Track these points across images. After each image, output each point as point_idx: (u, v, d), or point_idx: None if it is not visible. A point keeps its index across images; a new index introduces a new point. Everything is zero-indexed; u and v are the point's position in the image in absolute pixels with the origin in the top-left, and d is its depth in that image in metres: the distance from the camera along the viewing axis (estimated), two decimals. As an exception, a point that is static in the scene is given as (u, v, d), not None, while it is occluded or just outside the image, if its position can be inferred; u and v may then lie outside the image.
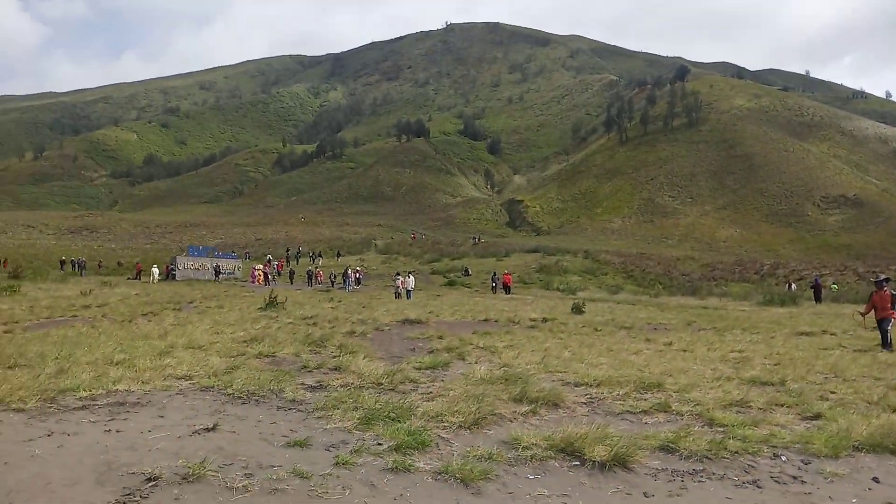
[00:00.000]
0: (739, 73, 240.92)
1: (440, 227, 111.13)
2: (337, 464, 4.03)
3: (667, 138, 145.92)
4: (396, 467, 4.01)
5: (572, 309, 21.42)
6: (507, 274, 41.97)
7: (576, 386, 6.98)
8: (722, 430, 5.34)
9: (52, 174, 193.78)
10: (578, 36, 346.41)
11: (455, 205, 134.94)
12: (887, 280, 13.64)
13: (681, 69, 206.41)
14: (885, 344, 12.14)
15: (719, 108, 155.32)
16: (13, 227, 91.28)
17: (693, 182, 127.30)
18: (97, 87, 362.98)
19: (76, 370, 6.59)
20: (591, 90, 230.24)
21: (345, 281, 38.84)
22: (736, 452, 4.70)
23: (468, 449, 4.47)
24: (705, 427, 5.42)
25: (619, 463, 4.33)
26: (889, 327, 12.31)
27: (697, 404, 6.17)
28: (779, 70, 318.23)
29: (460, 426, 4.98)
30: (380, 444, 4.45)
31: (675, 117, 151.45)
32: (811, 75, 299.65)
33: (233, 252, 59.73)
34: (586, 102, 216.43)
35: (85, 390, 5.74)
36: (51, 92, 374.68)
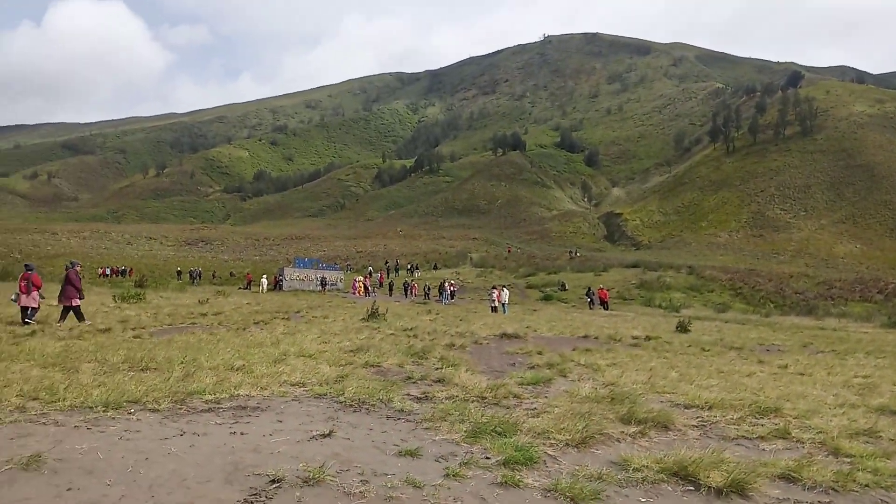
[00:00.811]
0: (860, 77, 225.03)
1: (535, 241, 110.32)
2: (447, 475, 4.12)
3: (778, 148, 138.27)
4: (505, 482, 4.05)
5: (677, 327, 20.66)
6: (602, 289, 41.02)
7: (685, 408, 6.74)
8: (849, 460, 5.02)
9: (171, 189, 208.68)
10: (682, 44, 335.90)
11: (551, 218, 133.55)
12: None
13: (793, 75, 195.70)
14: None
15: (837, 114, 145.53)
16: (137, 240, 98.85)
17: (807, 194, 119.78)
18: (213, 108, 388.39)
19: (200, 375, 7.06)
20: (695, 99, 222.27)
21: (441, 294, 39.39)
22: (866, 486, 4.41)
23: (576, 468, 4.43)
24: (830, 457, 5.11)
25: (737, 490, 4.16)
26: None
27: (820, 432, 5.82)
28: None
29: (567, 444, 4.95)
30: (488, 458, 4.50)
31: (788, 126, 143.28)
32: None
33: (335, 264, 61.90)
34: (690, 112, 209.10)
35: (210, 394, 6.15)
36: (172, 113, 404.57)
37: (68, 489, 3.57)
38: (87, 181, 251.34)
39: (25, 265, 14.99)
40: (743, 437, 5.66)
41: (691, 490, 4.19)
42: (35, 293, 13.79)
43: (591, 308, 38.24)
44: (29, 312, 13.62)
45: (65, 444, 4.32)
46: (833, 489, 4.33)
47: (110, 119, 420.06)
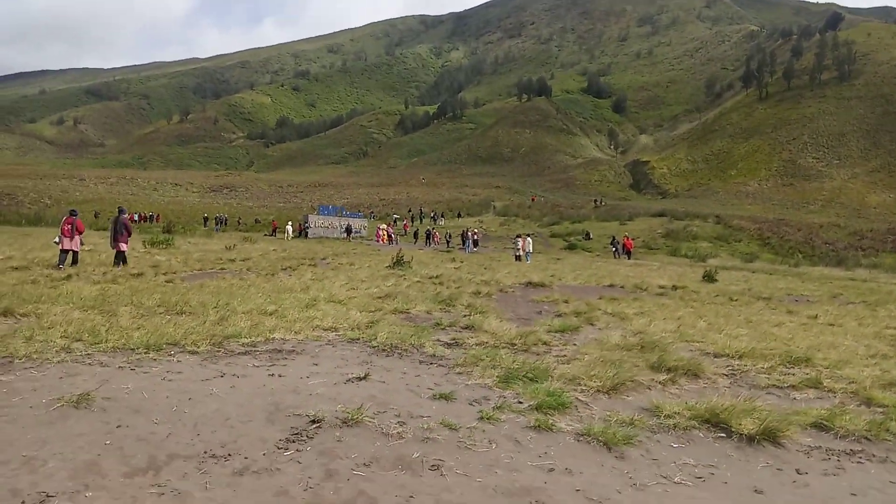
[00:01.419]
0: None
1: (560, 190, 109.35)
2: (481, 418, 4.20)
3: (813, 94, 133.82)
4: (539, 426, 4.11)
5: (704, 277, 20.53)
6: (627, 238, 40.68)
7: (715, 357, 6.75)
8: (881, 410, 5.01)
9: (195, 136, 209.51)
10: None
11: (576, 166, 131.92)
12: None
13: (833, 16, 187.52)
14: None
15: (877, 59, 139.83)
16: (163, 186, 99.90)
17: (842, 142, 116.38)
18: (235, 52, 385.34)
19: (235, 319, 7.20)
20: (728, 42, 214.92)
21: (463, 242, 39.49)
22: (899, 435, 4.41)
23: (608, 413, 4.49)
24: (862, 406, 5.10)
25: (769, 437, 4.19)
26: None
27: (852, 382, 5.80)
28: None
29: (598, 390, 5.00)
30: (520, 403, 4.57)
31: (825, 70, 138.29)
32: None
33: (359, 212, 62.10)
34: (723, 56, 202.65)
35: (246, 337, 6.29)
36: (194, 58, 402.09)
37: (118, 426, 3.71)
38: (112, 127, 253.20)
39: (70, 210, 15.40)
40: (774, 386, 5.66)
41: (723, 437, 4.23)
42: (77, 238, 14.28)
43: (615, 257, 38.07)
44: (67, 256, 14.06)
45: (111, 383, 4.47)
46: (866, 438, 4.34)
47: (133, 64, 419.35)
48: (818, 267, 39.97)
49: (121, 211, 15.80)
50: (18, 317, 6.91)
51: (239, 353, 5.72)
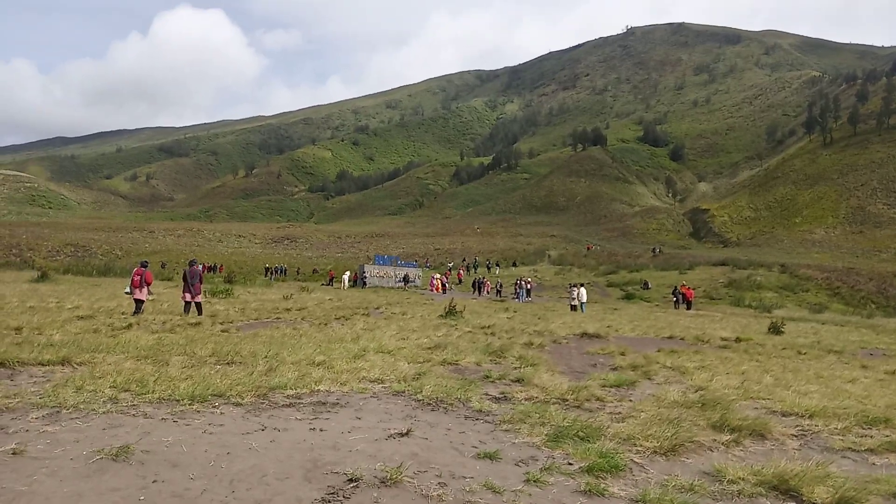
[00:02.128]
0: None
1: (616, 238, 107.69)
2: (528, 481, 3.96)
3: (881, 139, 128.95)
4: (589, 490, 3.85)
5: (769, 328, 19.61)
6: (684, 286, 39.53)
7: (783, 416, 6.29)
8: (974, 480, 4.51)
9: (259, 189, 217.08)
10: (775, 31, 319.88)
11: (633, 214, 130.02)
12: None
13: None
14: None
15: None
16: (227, 238, 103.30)
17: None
18: (298, 110, 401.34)
19: (283, 369, 7.18)
20: (788, 88, 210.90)
21: (517, 291, 39.11)
22: None
23: (666, 477, 4.18)
24: (953, 476, 4.61)
25: (846, 509, 3.81)
26: None
27: (939, 447, 5.28)
28: None
29: (655, 451, 4.69)
30: (570, 464, 4.31)
31: (893, 115, 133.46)
32: None
33: (414, 261, 62.53)
34: (783, 102, 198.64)
35: (291, 388, 6.24)
36: (259, 115, 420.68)
37: (153, 481, 3.65)
38: (181, 182, 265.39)
39: (141, 262, 16.27)
40: (849, 449, 5.21)
41: (793, 507, 3.87)
42: (146, 288, 15.11)
43: (675, 307, 36.92)
44: (137, 306, 14.86)
45: (152, 436, 4.45)
46: (958, 513, 3.90)
47: (202, 123, 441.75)
48: (894, 319, 37.71)
49: (192, 263, 16.58)
50: (75, 366, 7.07)
51: (283, 406, 5.65)
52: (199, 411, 5.22)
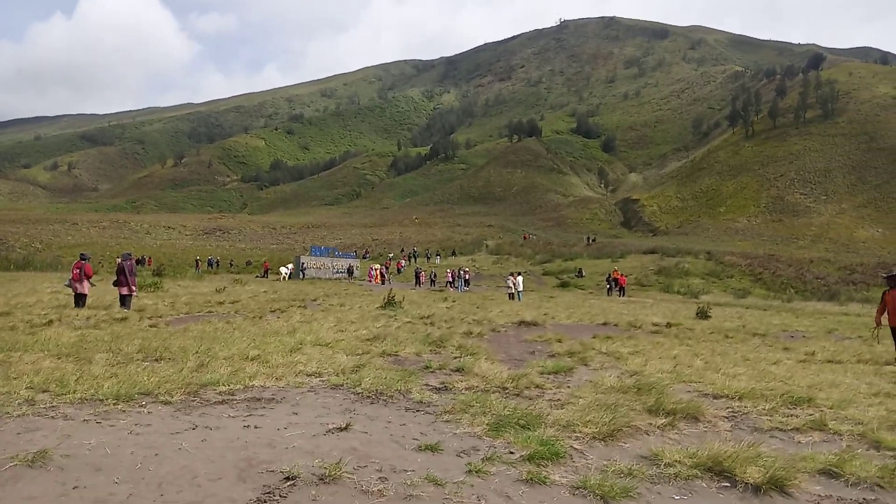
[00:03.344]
0: (883, 58, 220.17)
1: (551, 228, 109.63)
2: (470, 471, 3.92)
3: (798, 132, 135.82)
4: (531, 479, 3.84)
5: (697, 313, 20.35)
6: (617, 272, 41.20)
7: (714, 398, 6.49)
8: (893, 454, 4.76)
9: (189, 179, 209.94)
10: (701, 27, 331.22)
11: (567, 205, 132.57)
12: None
13: (815, 57, 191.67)
14: None
15: (859, 97, 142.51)
16: (156, 229, 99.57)
17: (828, 178, 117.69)
18: (230, 98, 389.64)
19: (215, 365, 6.92)
20: (713, 83, 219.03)
21: (453, 280, 39.39)
22: (914, 482, 4.15)
23: (605, 463, 4.22)
24: (871, 450, 4.85)
25: (776, 486, 3.93)
26: None
27: (858, 423, 5.55)
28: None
29: (594, 437, 4.73)
30: (512, 453, 4.29)
31: (808, 109, 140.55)
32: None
33: (352, 252, 61.93)
34: (708, 96, 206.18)
35: (224, 385, 6.00)
36: (189, 103, 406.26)
37: (74, 487, 3.42)
38: (106, 172, 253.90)
39: (81, 254, 16.02)
40: (777, 428, 5.41)
41: (727, 486, 3.97)
42: (86, 282, 14.96)
43: (608, 294, 37.90)
44: (81, 299, 14.79)
45: (73, 439, 4.18)
46: (878, 485, 4.08)
47: (128, 110, 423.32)
48: (811, 302, 39.85)
49: (127, 256, 16.18)
50: (-13, 366, 6.61)
51: (215, 403, 5.43)
52: (124, 411, 4.94)
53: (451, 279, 39.98)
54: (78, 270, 14.83)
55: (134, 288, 15.47)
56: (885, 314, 10.93)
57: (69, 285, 15.12)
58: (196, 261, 55.54)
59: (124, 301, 15.15)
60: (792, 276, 54.92)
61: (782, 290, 47.36)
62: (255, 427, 4.70)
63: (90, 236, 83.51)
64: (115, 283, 15.57)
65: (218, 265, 54.60)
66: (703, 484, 3.99)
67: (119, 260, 15.98)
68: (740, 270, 56.34)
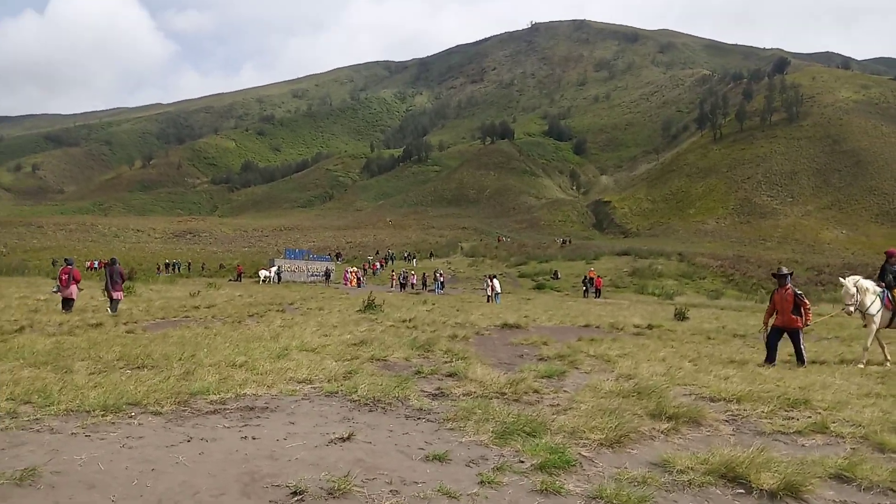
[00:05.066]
0: (845, 63, 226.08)
1: (525, 230, 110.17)
2: (482, 482, 3.80)
3: (764, 135, 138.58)
4: (546, 489, 3.73)
5: (675, 315, 20.50)
6: (592, 272, 41.88)
7: (712, 401, 6.46)
8: (898, 456, 4.75)
9: (158, 181, 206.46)
10: (669, 30, 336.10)
11: (540, 207, 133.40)
12: (791, 274, 10.49)
13: (780, 61, 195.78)
14: (800, 359, 9.77)
15: (822, 101, 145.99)
16: (125, 232, 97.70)
17: (794, 181, 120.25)
18: (199, 98, 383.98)
19: (201, 372, 6.70)
20: (682, 86, 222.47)
21: (430, 283, 39.48)
22: (926, 485, 4.14)
23: (616, 470, 4.13)
24: (877, 453, 4.84)
25: (791, 493, 3.88)
26: (802, 343, 9.84)
27: (858, 425, 5.56)
28: (891, 59, 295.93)
29: (601, 444, 4.65)
30: (522, 462, 4.18)
31: (774, 112, 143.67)
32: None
33: (327, 255, 61.42)
34: (677, 99, 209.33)
35: (214, 393, 5.80)
36: (158, 103, 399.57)
37: (69, 507, 3.22)
38: (72, 173, 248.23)
39: (65, 259, 16.88)
40: (779, 432, 5.39)
41: (742, 493, 3.91)
42: (74, 286, 15.36)
43: (585, 296, 38.10)
44: (69, 304, 15.18)
45: (62, 454, 3.96)
46: (892, 489, 4.06)
47: (95, 110, 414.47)
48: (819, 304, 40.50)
49: (113, 261, 16.67)
50: (-40, 377, 6.30)
51: (207, 413, 5.23)
52: (113, 423, 4.72)
53: (410, 281, 40.90)
54: (66, 276, 15.25)
55: (120, 293, 16.07)
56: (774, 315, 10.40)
57: (56, 291, 15.64)
58: (165, 264, 54.80)
59: (113, 305, 15.65)
60: (762, 276, 55.81)
61: (754, 290, 48.10)
62: (254, 438, 4.52)
63: (56, 240, 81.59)
64: (105, 288, 16.16)
65: (178, 269, 53.90)
66: (718, 491, 3.93)
67: (106, 265, 16.78)
68: (712, 272, 57.15)
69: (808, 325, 10.19)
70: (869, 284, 10.75)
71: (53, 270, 39.62)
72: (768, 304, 10.64)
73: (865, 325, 10.79)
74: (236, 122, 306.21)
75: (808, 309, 10.13)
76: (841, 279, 10.93)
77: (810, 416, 5.83)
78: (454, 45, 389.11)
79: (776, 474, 4.00)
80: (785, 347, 10.30)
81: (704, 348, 11.95)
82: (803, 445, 5.03)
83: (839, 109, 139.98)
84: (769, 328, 10.21)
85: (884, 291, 10.76)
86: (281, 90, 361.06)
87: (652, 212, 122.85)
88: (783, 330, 9.95)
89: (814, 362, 10.57)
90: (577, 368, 8.62)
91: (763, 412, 5.97)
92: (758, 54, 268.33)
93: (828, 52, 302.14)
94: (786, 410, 6.11)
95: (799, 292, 10.09)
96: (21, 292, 21.25)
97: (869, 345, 10.53)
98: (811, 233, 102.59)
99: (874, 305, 10.48)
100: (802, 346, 9.93)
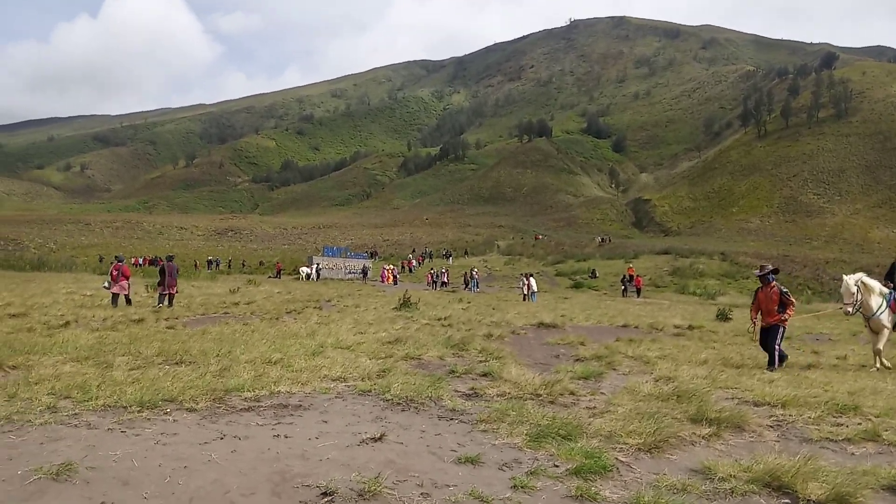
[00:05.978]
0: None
1: (562, 228, 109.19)
2: (515, 487, 3.71)
3: (811, 131, 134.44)
4: (581, 495, 3.63)
5: (718, 315, 20.03)
6: (631, 269, 41.26)
7: (755, 405, 6.24)
8: (956, 469, 4.49)
9: (200, 180, 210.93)
10: (712, 26, 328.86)
11: (578, 205, 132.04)
12: (775, 272, 10.12)
13: (827, 56, 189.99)
14: (771, 362, 9.23)
15: (873, 96, 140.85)
16: (168, 230, 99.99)
17: (842, 178, 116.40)
18: (241, 98, 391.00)
19: (237, 369, 6.75)
20: (725, 82, 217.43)
21: (466, 283, 39.33)
22: None
23: (655, 477, 4.00)
24: (932, 464, 4.59)
25: (840, 504, 3.70)
26: (778, 342, 9.27)
27: (912, 434, 5.29)
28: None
29: (639, 448, 4.51)
30: (556, 466, 4.08)
31: (821, 108, 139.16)
32: None
33: (364, 252, 61.90)
34: (720, 95, 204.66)
35: (249, 390, 5.82)
36: (201, 104, 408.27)
37: (102, 503, 3.24)
38: (118, 172, 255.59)
39: (116, 257, 18.20)
40: (827, 439, 5.16)
41: (788, 504, 3.73)
42: (124, 282, 16.23)
43: (623, 295, 37.55)
44: (121, 297, 16.07)
45: (98, 449, 4.01)
46: (950, 504, 3.83)
47: (140, 111, 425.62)
48: (829, 303, 39.23)
49: (170, 258, 17.65)
50: (7, 369, 6.48)
51: (241, 410, 5.25)
52: (149, 419, 4.77)
53: (442, 279, 40.77)
54: (116, 272, 16.15)
55: (173, 289, 16.92)
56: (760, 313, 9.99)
57: (108, 287, 16.36)
58: (208, 261, 55.85)
59: (164, 299, 16.66)
60: (808, 276, 54.30)
61: (800, 291, 46.64)
62: (286, 437, 4.51)
63: (103, 237, 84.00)
64: (159, 284, 17.06)
65: (218, 265, 54.89)
66: (762, 501, 3.76)
67: (163, 262, 17.62)
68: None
69: (784, 320, 9.58)
70: (874, 284, 10.25)
71: (100, 267, 40.78)
72: (753, 302, 10.25)
73: (874, 331, 10.17)
74: (276, 121, 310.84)
75: (793, 307, 9.71)
76: (844, 276, 10.45)
77: (860, 423, 5.57)
78: (492, 44, 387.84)
79: (825, 484, 3.81)
80: (831, 350, 9.94)
81: (748, 350, 11.61)
82: (853, 454, 4.80)
83: (891, 105, 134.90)
84: (758, 331, 9.84)
85: (891, 293, 10.26)
86: (320, 90, 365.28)
87: (693, 210, 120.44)
88: (769, 329, 9.58)
89: (863, 366, 10.19)
90: (614, 370, 8.45)
91: (810, 418, 5.73)
92: (805, 49, 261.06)
93: (879, 45, 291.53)
94: (834, 416, 5.86)
95: (785, 290, 9.73)
96: (69, 287, 21.88)
97: (881, 346, 10.02)
98: (860, 232, 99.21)
99: (885, 315, 9.91)
100: (778, 347, 9.41)
